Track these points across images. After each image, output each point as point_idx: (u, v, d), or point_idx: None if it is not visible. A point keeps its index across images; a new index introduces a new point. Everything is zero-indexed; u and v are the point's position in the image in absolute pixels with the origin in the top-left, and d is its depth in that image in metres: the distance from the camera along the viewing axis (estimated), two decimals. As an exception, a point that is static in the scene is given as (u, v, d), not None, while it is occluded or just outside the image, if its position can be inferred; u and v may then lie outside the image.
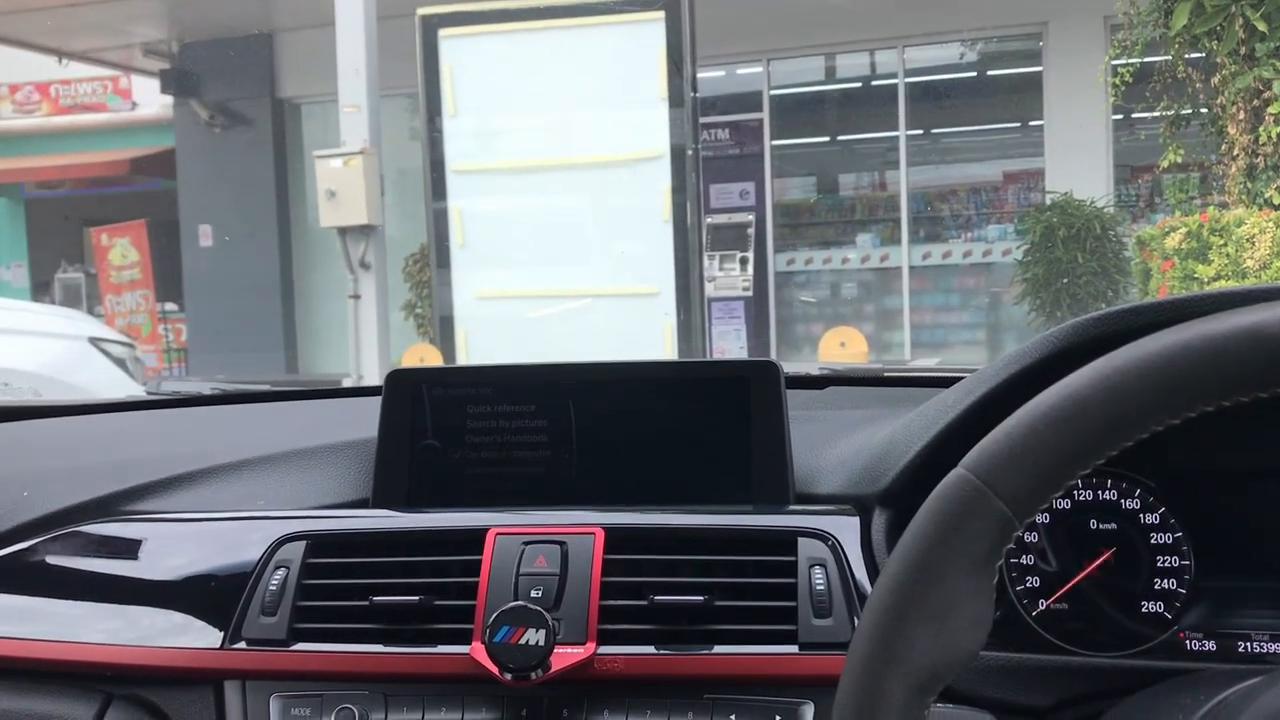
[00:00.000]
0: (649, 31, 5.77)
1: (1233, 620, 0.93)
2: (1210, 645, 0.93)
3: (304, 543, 1.04)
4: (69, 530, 1.14)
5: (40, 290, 13.90)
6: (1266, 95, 6.01)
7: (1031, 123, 9.68)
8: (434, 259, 6.28)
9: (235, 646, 0.99)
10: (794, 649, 0.93)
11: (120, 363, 4.67)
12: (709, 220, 9.20)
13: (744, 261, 9.73)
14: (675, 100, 5.77)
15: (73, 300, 13.64)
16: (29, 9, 9.85)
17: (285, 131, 11.25)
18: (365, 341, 7.15)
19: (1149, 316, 0.80)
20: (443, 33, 6.03)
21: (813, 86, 10.69)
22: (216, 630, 1.00)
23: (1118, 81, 6.60)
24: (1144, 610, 0.94)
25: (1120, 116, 8.83)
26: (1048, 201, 8.78)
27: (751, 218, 9.96)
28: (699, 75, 6.01)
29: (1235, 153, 6.24)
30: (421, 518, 1.10)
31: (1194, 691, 0.68)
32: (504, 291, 6.21)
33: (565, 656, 0.92)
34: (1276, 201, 5.96)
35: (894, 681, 0.59)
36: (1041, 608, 0.96)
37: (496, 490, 1.15)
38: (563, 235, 6.20)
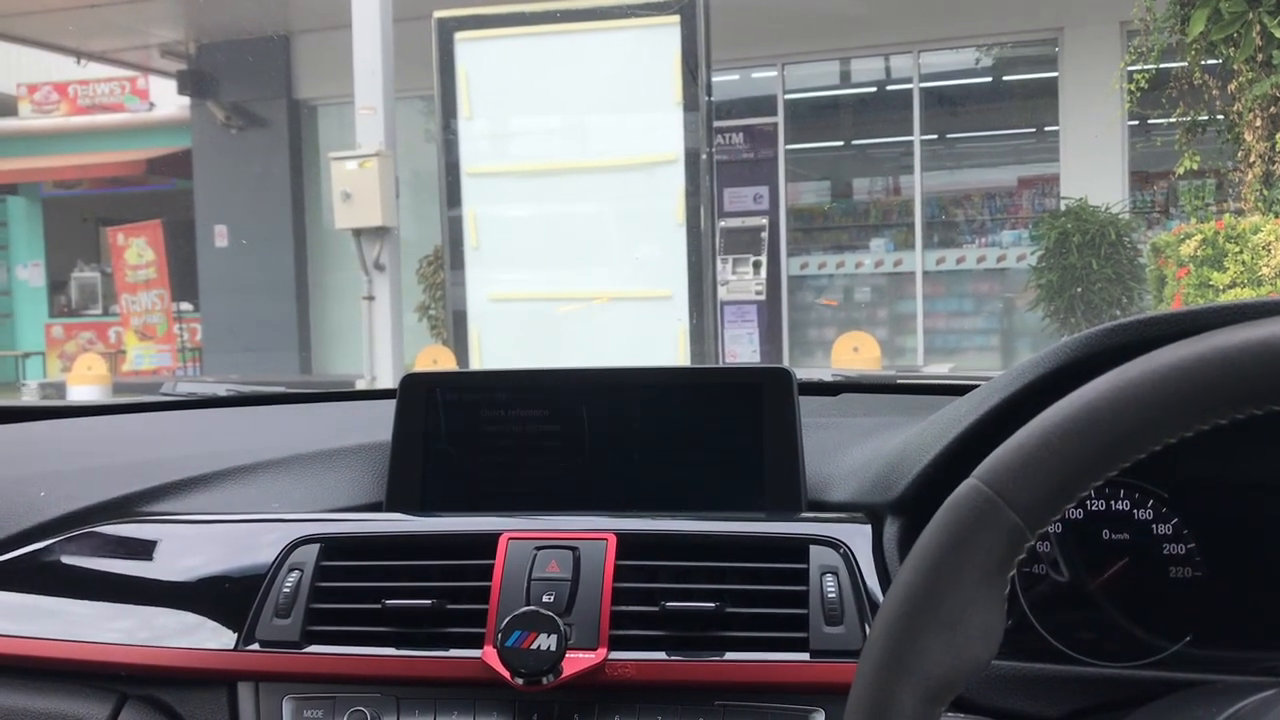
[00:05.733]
0: (664, 35, 5.77)
1: (1246, 631, 0.93)
2: (1224, 657, 0.93)
3: (318, 545, 1.04)
4: (85, 530, 1.14)
5: (57, 289, 13.98)
6: (1283, 102, 5.99)
7: (1047, 128, 9.66)
8: (448, 261, 6.30)
9: (249, 648, 1.00)
10: (805, 656, 0.93)
11: None
12: (722, 224, 9.20)
13: (757, 265, 9.74)
14: (690, 104, 5.77)
15: (89, 299, 13.72)
16: (48, 9, 9.91)
17: (301, 133, 11.29)
18: (379, 343, 7.17)
19: (1163, 328, 0.80)
20: (458, 36, 6.04)
21: (827, 91, 10.68)
22: (230, 631, 1.01)
23: (1133, 88, 6.59)
24: (1156, 621, 0.94)
25: (1136, 122, 8.80)
26: (1062, 207, 8.75)
27: (765, 222, 9.96)
28: (714, 79, 6.01)
29: (1251, 160, 6.22)
30: (435, 522, 1.10)
31: (1208, 703, 0.68)
32: (517, 294, 6.22)
33: (577, 662, 0.92)
34: (1293, 209, 5.94)
35: (905, 690, 0.59)
36: (1053, 618, 0.96)
37: (509, 495, 1.15)
38: (576, 238, 6.21)
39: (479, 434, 1.16)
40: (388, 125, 7.02)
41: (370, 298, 7.13)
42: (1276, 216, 5.95)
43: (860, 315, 10.24)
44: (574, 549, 0.99)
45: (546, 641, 0.90)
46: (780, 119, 10.22)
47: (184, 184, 11.83)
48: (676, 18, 5.73)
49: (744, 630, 0.94)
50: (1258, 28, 5.92)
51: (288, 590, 1.01)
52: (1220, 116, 6.59)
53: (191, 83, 11.19)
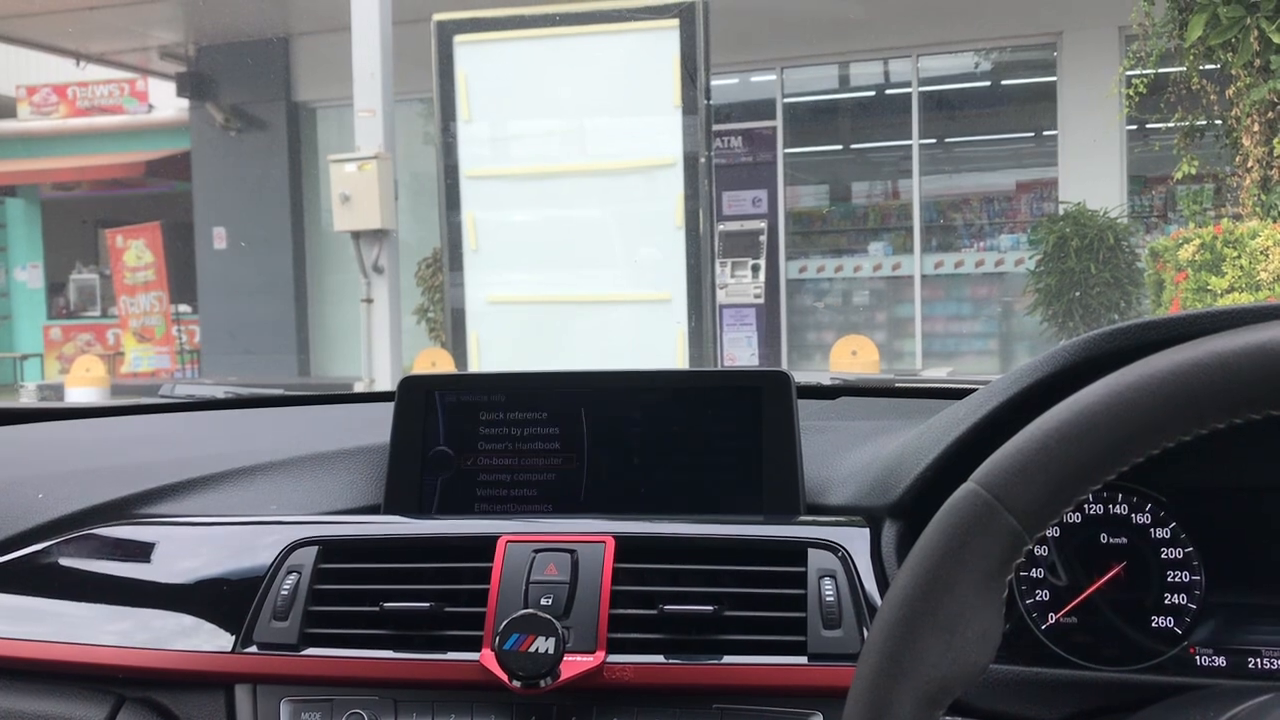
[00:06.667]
0: (663, 39, 5.78)
1: (1243, 636, 0.93)
2: (1220, 661, 0.93)
3: (316, 548, 1.04)
4: (83, 533, 1.14)
5: (55, 291, 13.97)
6: (1281, 107, 6.00)
7: (1045, 132, 9.67)
8: (447, 263, 6.30)
9: (247, 650, 1.00)
10: (803, 660, 0.93)
11: None
12: (721, 227, 9.21)
13: (756, 269, 9.73)
14: (689, 107, 5.77)
15: (87, 301, 13.71)
16: (48, 11, 9.92)
17: (300, 135, 11.29)
18: (378, 345, 7.18)
19: (1161, 332, 0.80)
20: (458, 39, 6.05)
21: (826, 95, 10.69)
22: (228, 634, 1.01)
23: (1132, 92, 6.59)
24: (1154, 625, 0.94)
25: (1134, 127, 8.82)
26: (1061, 211, 8.76)
27: (764, 225, 9.96)
28: (713, 83, 6.01)
29: (1249, 165, 6.23)
30: (433, 524, 1.10)
31: (1204, 707, 0.68)
32: (516, 296, 6.22)
33: (575, 665, 0.92)
34: (1291, 214, 5.95)
35: (903, 694, 0.59)
36: (1051, 621, 0.96)
37: (508, 497, 1.15)
38: (575, 241, 6.22)
39: (477, 436, 1.16)
40: (387, 128, 7.03)
41: (369, 300, 7.14)
42: (1274, 221, 5.95)
43: (859, 319, 10.25)
44: (572, 552, 0.99)
45: (544, 644, 0.90)
46: (779, 122, 10.23)
47: (183, 186, 11.83)
48: (675, 21, 5.74)
49: (742, 633, 0.94)
50: (1255, 33, 5.93)
51: (286, 593, 1.01)
52: (1218, 121, 6.59)
53: (191, 85, 11.19)
